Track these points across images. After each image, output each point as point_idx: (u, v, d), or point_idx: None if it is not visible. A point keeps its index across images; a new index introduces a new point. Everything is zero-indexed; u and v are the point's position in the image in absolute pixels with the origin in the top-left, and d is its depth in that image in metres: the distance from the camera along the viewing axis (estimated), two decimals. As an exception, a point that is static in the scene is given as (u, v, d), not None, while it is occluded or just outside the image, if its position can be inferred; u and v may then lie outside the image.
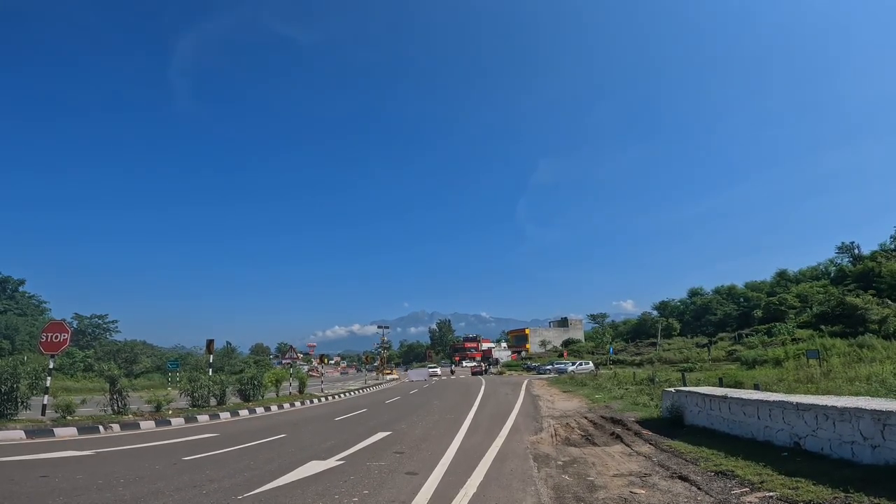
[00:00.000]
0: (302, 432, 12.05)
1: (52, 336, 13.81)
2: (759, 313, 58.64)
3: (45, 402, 12.58)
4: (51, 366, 13.19)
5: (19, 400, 11.72)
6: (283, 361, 40.96)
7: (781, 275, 68.29)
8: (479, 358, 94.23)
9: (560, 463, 7.89)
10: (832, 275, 58.90)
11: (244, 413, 16.59)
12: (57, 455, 8.26)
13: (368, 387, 37.73)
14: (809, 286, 55.37)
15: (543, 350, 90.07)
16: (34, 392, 12.24)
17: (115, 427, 11.89)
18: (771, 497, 5.34)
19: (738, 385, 16.04)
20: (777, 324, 47.10)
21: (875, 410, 5.91)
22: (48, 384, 12.80)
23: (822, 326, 36.37)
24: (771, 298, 58.12)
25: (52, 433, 10.50)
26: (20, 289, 66.82)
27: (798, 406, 7.31)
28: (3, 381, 11.38)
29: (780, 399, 8.02)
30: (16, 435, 9.95)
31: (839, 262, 60.94)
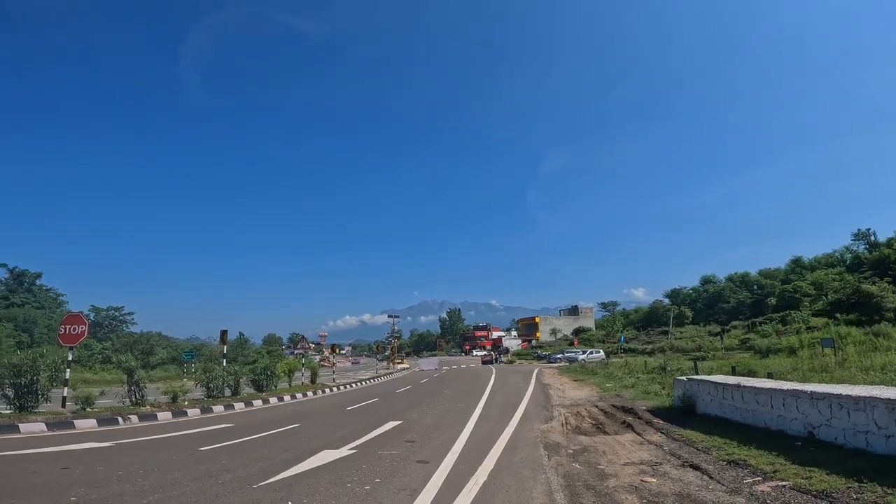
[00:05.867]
0: (314, 422, 12.21)
1: (70, 328, 14.02)
2: (773, 301, 58.03)
3: (65, 394, 12.79)
4: (69, 358, 13.42)
5: (40, 392, 11.87)
6: (296, 351, 41.43)
7: (796, 262, 67.39)
8: (489, 347, 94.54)
9: (570, 451, 7.92)
10: (848, 262, 57.95)
11: (258, 403, 16.84)
12: (78, 447, 8.43)
13: (379, 376, 38.08)
14: (824, 273, 54.56)
15: (554, 338, 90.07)
16: (54, 384, 12.41)
17: (134, 418, 12.11)
18: (784, 486, 5.32)
19: (751, 374, 15.92)
20: (791, 312, 46.56)
21: (890, 400, 5.84)
22: (68, 376, 13.02)
23: (838, 314, 35.86)
24: (785, 286, 57.39)
25: (72, 425, 10.68)
26: (37, 282, 68.05)
27: (812, 395, 7.24)
28: (24, 373, 11.53)
29: (794, 388, 7.96)
30: (37, 427, 10.13)
31: (855, 249, 59.91)
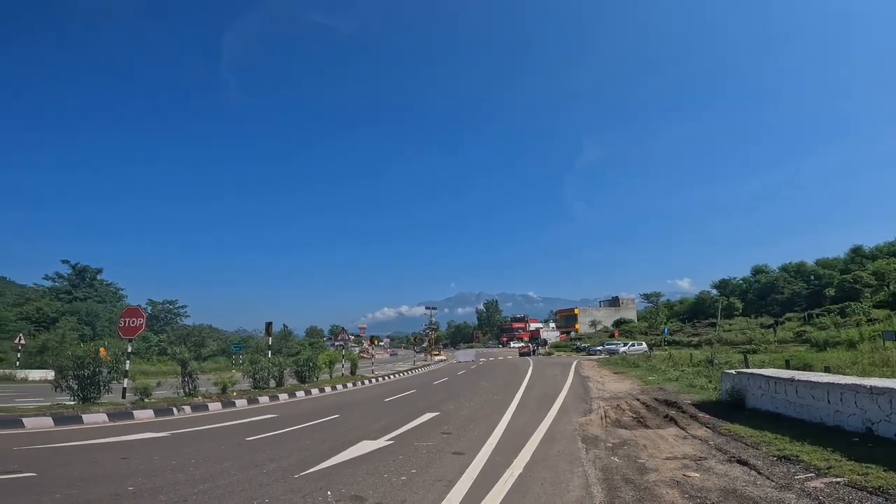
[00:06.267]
0: (353, 413, 12.49)
1: (129, 321, 14.71)
2: (831, 292, 54.69)
3: (125, 385, 13.47)
4: (129, 350, 14.15)
5: (102, 384, 12.44)
6: (336, 343, 42.44)
7: (856, 251, 63.01)
8: (526, 338, 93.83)
9: (609, 445, 7.77)
10: (911, 251, 53.93)
11: (300, 394, 17.38)
12: (136, 437, 8.87)
13: (417, 368, 38.53)
14: (886, 263, 51.03)
15: (593, 330, 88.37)
16: (115, 376, 13.04)
17: (187, 409, 12.66)
18: (838, 483, 5.04)
19: (806, 368, 15.13)
20: (851, 303, 43.83)
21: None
22: (127, 368, 13.70)
23: (901, 306, 33.55)
24: (845, 276, 53.99)
25: (131, 416, 11.24)
26: (98, 277, 72.15)
27: (872, 389, 6.83)
28: (87, 365, 12.10)
29: (853, 382, 7.52)
30: (99, 418, 10.69)
31: (919, 237, 55.63)
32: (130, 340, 14.58)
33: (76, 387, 12.12)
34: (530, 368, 30.13)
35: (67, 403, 11.97)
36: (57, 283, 67.79)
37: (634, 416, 10.73)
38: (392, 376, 29.35)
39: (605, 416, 10.76)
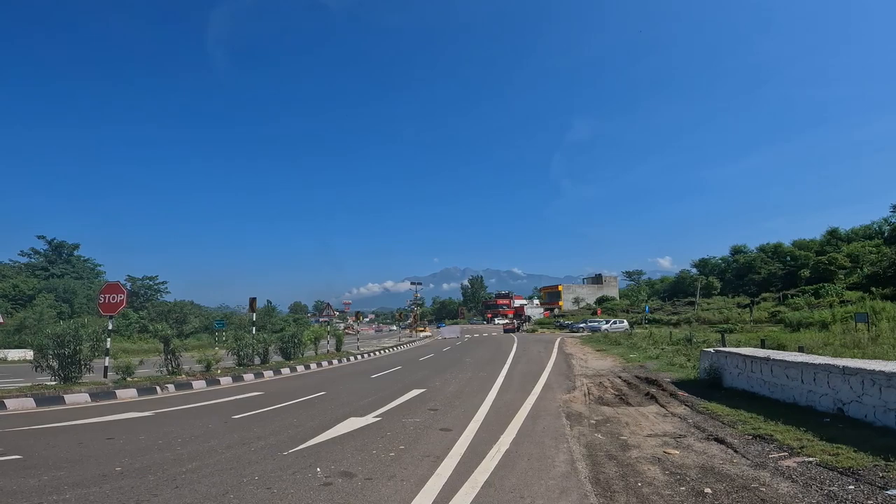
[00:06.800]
0: (340, 390, 12.56)
1: (109, 297, 14.31)
2: (806, 273, 56.29)
3: (107, 363, 13.22)
4: (109, 327, 13.83)
5: (83, 363, 12.19)
6: (321, 319, 42.43)
7: (832, 233, 64.63)
8: (511, 315, 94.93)
9: (593, 422, 7.97)
10: (886, 234, 55.46)
11: (286, 371, 17.38)
12: (120, 417, 8.80)
13: (402, 344, 38.80)
14: (861, 245, 52.55)
15: (577, 307, 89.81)
16: (96, 354, 12.73)
17: (171, 387, 12.54)
18: (810, 462, 5.25)
19: (780, 348, 15.62)
20: (825, 284, 45.17)
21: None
22: (108, 346, 13.42)
23: (873, 288, 34.69)
24: (820, 258, 55.54)
25: (114, 395, 11.08)
26: (75, 253, 70.48)
27: (844, 370, 7.07)
28: (67, 343, 11.81)
29: (826, 362, 7.77)
30: (81, 398, 10.51)
31: (894, 221, 57.22)
32: (111, 317, 14.28)
33: (57, 366, 11.86)
34: (514, 345, 30.60)
35: (49, 384, 11.72)
36: (33, 260, 66.13)
37: (617, 393, 11.01)
38: (378, 352, 29.52)
39: (589, 394, 11.01)
